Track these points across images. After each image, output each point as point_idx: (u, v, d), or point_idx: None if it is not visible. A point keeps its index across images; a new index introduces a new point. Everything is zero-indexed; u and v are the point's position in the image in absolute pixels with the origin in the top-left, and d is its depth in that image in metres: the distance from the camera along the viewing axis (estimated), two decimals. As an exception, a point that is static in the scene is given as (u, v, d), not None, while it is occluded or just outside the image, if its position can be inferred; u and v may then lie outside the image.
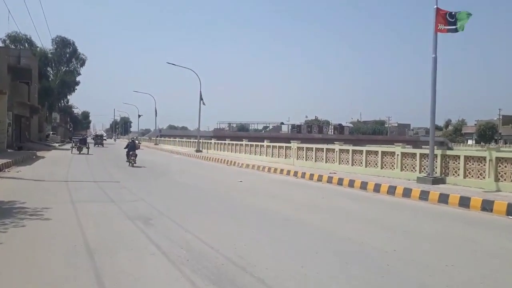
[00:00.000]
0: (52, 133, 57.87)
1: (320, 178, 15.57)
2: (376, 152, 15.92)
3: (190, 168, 21.37)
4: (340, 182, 14.49)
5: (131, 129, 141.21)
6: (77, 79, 65.12)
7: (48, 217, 7.35)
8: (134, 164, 20.23)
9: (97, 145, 46.57)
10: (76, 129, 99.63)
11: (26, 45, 54.98)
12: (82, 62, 64.49)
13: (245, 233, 6.60)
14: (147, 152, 38.71)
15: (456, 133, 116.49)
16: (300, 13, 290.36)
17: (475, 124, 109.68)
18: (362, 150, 16.58)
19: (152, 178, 15.17)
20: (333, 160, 18.13)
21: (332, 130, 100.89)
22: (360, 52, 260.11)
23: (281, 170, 18.49)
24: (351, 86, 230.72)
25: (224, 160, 25.91)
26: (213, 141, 35.17)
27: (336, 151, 17.86)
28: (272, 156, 23.51)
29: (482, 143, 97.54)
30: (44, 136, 51.32)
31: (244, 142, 27.86)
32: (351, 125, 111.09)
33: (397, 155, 14.86)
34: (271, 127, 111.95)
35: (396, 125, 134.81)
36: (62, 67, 62.82)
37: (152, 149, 46.59)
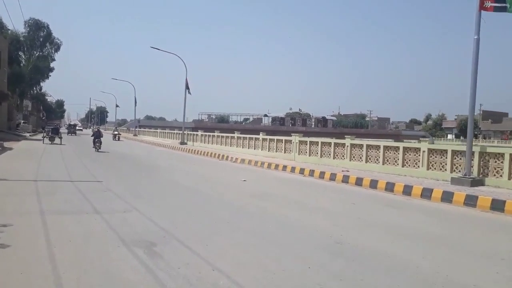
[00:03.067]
0: (23, 122, 54.15)
1: (333, 177, 13.63)
2: (396, 148, 14.06)
3: (180, 163, 19.10)
4: (358, 182, 12.58)
5: (107, 119, 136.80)
6: (51, 65, 61.11)
7: (5, 241, 5.10)
8: (99, 150, 23.59)
9: (70, 134, 49.65)
10: (49, 118, 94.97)
11: (-4, 27, 50.96)
12: (57, 47, 60.51)
13: (303, 273, 4.54)
14: (127, 144, 36.07)
15: (436, 128, 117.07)
16: (282, 7, 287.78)
17: (455, 119, 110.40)
18: (379, 146, 14.70)
19: (139, 176, 12.92)
20: (343, 156, 16.21)
21: (315, 123, 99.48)
22: (341, 46, 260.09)
23: (284, 167, 16.47)
24: (331, 80, 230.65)
25: (214, 153, 23.72)
26: (199, 132, 32.81)
27: (347, 146, 15.93)
28: (269, 150, 21.45)
29: (462, 137, 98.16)
30: (14, 125, 47.72)
31: (236, 135, 25.68)
32: (334, 118, 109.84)
33: (423, 151, 13.05)
34: (251, 119, 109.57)
35: (376, 119, 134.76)
36: (35, 52, 58.68)
37: (132, 141, 43.84)
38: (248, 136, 24.45)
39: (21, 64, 55.33)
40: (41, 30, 57.71)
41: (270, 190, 10.97)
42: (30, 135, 41.38)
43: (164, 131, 45.31)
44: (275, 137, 21.27)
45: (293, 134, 19.61)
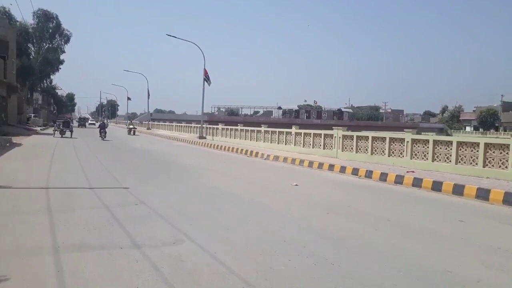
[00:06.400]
0: (34, 116, 52.50)
1: (399, 180, 11.34)
2: (474, 145, 11.69)
3: (207, 161, 16.89)
4: (436, 186, 10.27)
5: (118, 113, 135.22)
6: (61, 57, 59.23)
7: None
8: (104, 138, 27.88)
9: (80, 126, 53.05)
10: (60, 112, 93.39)
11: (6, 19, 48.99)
12: (67, 39, 58.55)
13: None
14: (144, 138, 33.99)
15: (453, 120, 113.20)
16: (294, 4, 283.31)
17: (474, 111, 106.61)
18: (451, 141, 12.36)
19: (170, 180, 10.76)
20: (401, 154, 13.89)
21: (331, 115, 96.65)
22: (350, 37, 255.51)
23: (330, 166, 14.18)
24: (340, 72, 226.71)
25: (239, 149, 21.51)
26: (220, 126, 30.58)
27: (407, 142, 13.60)
28: (303, 146, 19.18)
29: (481, 129, 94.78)
30: (24, 119, 45.98)
31: (263, 128, 23.41)
32: (350, 110, 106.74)
33: (513, 149, 10.69)
34: (262, 112, 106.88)
35: (390, 111, 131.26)
36: (44, 44, 56.77)
37: (147, 135, 41.80)
38: (277, 130, 22.17)
39: (31, 57, 53.51)
40: (50, 21, 55.78)
41: (337, 199, 8.73)
42: (41, 129, 39.61)
43: (180, 124, 43.20)
44: (312, 131, 18.95)
45: (335, 127, 17.28)
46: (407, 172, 12.15)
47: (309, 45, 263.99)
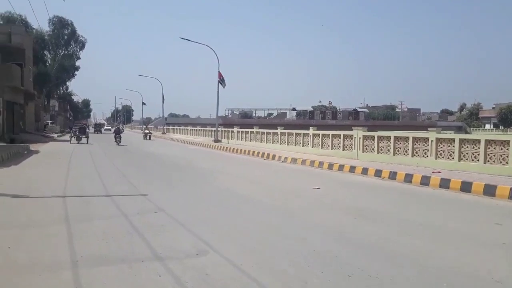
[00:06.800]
0: (51, 123, 53.18)
1: (425, 181, 10.88)
2: (504, 143, 11.17)
3: (224, 165, 16.65)
4: (465, 187, 9.80)
5: (133, 118, 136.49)
6: (77, 63, 59.90)
7: None
8: (120, 143, 28.36)
9: (96, 132, 52.78)
10: (76, 118, 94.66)
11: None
12: (82, 45, 59.21)
13: None
14: (159, 143, 33.98)
15: (472, 118, 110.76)
16: (307, 5, 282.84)
17: (493, 108, 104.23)
18: (479, 140, 11.85)
19: (189, 186, 10.51)
20: (425, 153, 13.41)
21: (346, 115, 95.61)
22: (364, 36, 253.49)
23: (352, 168, 13.77)
24: (356, 72, 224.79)
25: (255, 152, 21.21)
26: (235, 129, 30.36)
27: (431, 142, 13.12)
28: (321, 148, 18.78)
29: (501, 127, 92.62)
30: (41, 126, 46.55)
31: (279, 131, 23.08)
32: (366, 110, 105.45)
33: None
34: (275, 113, 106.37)
35: (406, 110, 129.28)
36: (60, 51, 57.52)
37: (162, 139, 41.84)
38: (294, 131, 21.81)
39: (47, 64, 54.22)
40: (65, 27, 56.54)
41: (363, 203, 8.34)
42: (57, 136, 40.00)
43: (195, 128, 43.16)
44: (330, 132, 18.55)
45: (355, 128, 16.85)
46: (433, 172, 11.68)
47: (323, 45, 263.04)
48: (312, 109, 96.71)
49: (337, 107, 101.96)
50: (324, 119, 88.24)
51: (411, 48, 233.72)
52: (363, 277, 4.05)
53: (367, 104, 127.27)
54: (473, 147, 11.90)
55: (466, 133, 77.04)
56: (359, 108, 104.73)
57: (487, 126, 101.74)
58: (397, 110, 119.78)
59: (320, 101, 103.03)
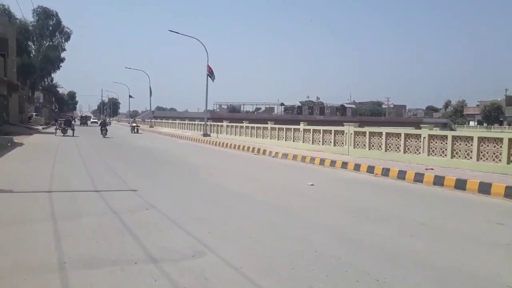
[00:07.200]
0: (35, 115, 52.00)
1: (418, 178, 10.77)
2: (498, 140, 11.13)
3: (214, 159, 16.38)
4: (460, 185, 9.71)
5: (120, 111, 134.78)
6: (62, 55, 58.73)
7: None
8: (106, 136, 28.44)
9: (81, 125, 52.31)
10: (62, 111, 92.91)
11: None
12: (67, 37, 58.22)
13: None
14: (147, 137, 33.49)
15: (457, 114, 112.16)
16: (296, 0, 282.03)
17: (477, 105, 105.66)
18: (471, 137, 11.79)
19: (179, 181, 10.23)
20: (417, 150, 13.34)
21: (333, 111, 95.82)
22: (349, 32, 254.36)
23: (344, 164, 13.63)
24: (343, 69, 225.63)
25: (245, 147, 20.98)
26: (225, 123, 30.03)
27: (424, 138, 13.04)
28: (312, 143, 18.62)
29: (485, 124, 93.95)
30: (26, 118, 45.49)
31: (270, 125, 22.86)
32: (353, 106, 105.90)
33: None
34: (263, 108, 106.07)
35: (392, 106, 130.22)
36: (44, 42, 56.32)
37: (150, 133, 41.29)
38: (284, 126, 21.61)
39: (31, 55, 52.97)
40: (50, 18, 55.34)
41: (360, 200, 8.19)
42: (42, 128, 39.14)
43: (183, 122, 42.65)
44: (321, 127, 18.40)
45: (347, 124, 16.72)
46: (426, 169, 11.61)
47: (310, 41, 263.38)
48: (300, 104, 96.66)
49: (324, 103, 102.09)
50: (312, 114, 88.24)
51: (398, 45, 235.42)
52: (370, 281, 3.85)
53: (354, 100, 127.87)
54: (466, 144, 11.85)
55: (451, 129, 78.03)
56: (346, 104, 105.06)
57: (471, 123, 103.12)
58: (383, 106, 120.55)
59: (308, 97, 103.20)
